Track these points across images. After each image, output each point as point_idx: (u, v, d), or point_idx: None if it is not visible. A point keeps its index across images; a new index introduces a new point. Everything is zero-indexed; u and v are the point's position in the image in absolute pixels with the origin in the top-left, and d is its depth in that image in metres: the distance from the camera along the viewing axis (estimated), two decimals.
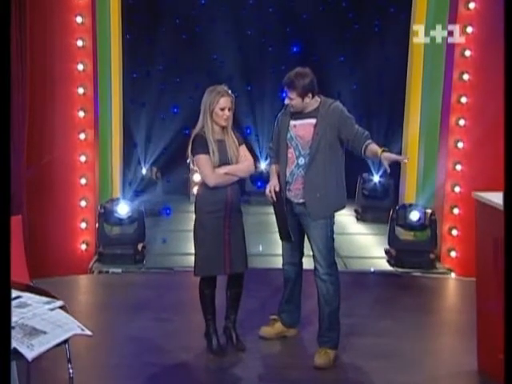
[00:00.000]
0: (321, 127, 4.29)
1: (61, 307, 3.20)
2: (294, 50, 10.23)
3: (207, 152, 4.25)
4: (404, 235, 7.08)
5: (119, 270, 6.60)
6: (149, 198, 8.65)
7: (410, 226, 7.05)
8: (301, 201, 4.39)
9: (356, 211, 9.21)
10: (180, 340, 4.75)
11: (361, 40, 9.71)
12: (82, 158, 6.82)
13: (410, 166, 7.65)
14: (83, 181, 6.82)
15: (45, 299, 3.27)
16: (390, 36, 8.92)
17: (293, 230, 4.46)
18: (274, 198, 4.43)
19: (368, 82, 9.93)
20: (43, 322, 2.94)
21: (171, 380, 4.26)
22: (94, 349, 4.63)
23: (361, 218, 9.08)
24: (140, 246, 7.08)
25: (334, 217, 4.49)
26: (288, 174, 4.41)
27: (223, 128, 4.33)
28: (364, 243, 8.12)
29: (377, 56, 9.54)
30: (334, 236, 4.47)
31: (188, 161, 4.38)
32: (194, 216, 4.45)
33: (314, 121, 4.32)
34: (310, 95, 4.30)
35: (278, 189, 4.42)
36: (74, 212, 6.83)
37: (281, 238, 4.55)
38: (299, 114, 4.38)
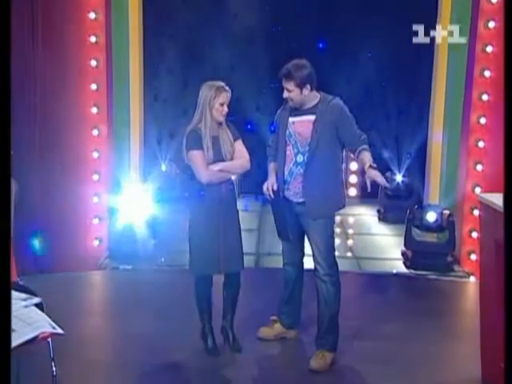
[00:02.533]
0: (320, 124, 4.18)
1: (36, 304, 3.19)
2: (320, 46, 10.07)
3: (201, 148, 4.19)
4: (420, 236, 6.83)
5: (129, 267, 6.59)
6: (168, 194, 8.56)
7: (427, 227, 6.81)
8: (300, 200, 4.30)
9: (378, 211, 9.02)
10: (177, 339, 4.69)
11: (389, 36, 9.46)
12: (95, 154, 6.81)
13: (433, 166, 7.47)
14: (96, 177, 6.80)
15: (23, 296, 3.28)
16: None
17: (292, 230, 4.38)
18: (272, 196, 4.35)
19: (397, 79, 9.71)
20: (14, 319, 2.93)
21: (163, 379, 4.19)
22: (89, 346, 4.63)
23: (383, 218, 8.88)
24: (152, 244, 7.05)
25: (334, 216, 4.40)
26: (286, 172, 4.31)
27: (219, 124, 4.26)
28: (384, 244, 7.94)
29: (406, 52, 9.30)
30: (334, 235, 4.38)
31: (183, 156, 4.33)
32: None
33: (312, 117, 4.22)
34: (309, 87, 4.18)
35: (275, 187, 4.33)
36: (87, 208, 6.82)
37: (279, 236, 4.46)
38: (298, 111, 4.29)
